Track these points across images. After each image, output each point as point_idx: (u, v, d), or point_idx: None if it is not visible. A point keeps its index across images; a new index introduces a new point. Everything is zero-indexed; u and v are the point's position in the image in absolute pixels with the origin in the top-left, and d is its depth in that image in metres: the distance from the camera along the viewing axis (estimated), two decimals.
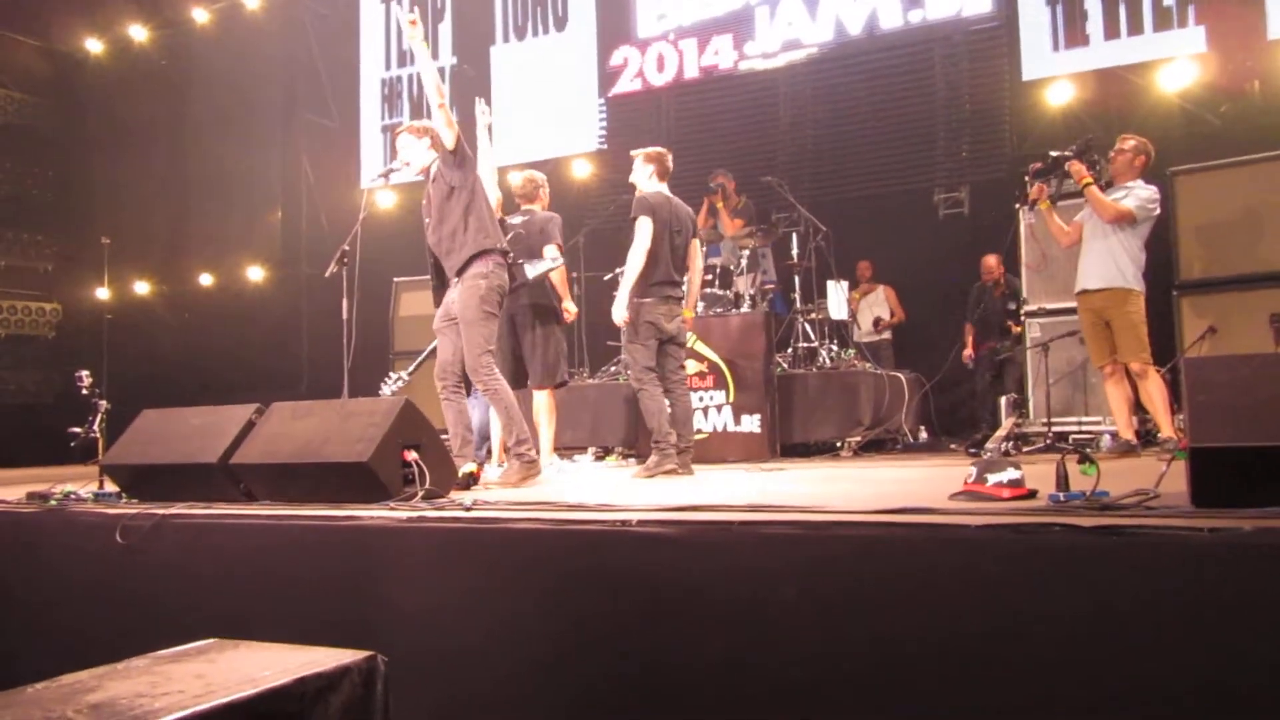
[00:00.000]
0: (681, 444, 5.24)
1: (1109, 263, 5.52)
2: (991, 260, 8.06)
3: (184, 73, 12.44)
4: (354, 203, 11.54)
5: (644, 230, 5.27)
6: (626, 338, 5.37)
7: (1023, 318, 7.36)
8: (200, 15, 12.13)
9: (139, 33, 12.30)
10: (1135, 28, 8.32)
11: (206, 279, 12.18)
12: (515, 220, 5.56)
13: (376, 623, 2.90)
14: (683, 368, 5.44)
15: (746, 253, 7.53)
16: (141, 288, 12.32)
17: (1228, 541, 2.12)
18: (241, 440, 3.90)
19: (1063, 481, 2.86)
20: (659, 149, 5.54)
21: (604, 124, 10.48)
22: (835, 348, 7.70)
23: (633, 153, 5.56)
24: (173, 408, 4.41)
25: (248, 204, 12.06)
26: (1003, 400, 7.23)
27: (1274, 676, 2.04)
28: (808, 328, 7.70)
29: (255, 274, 11.93)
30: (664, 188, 5.46)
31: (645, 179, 5.44)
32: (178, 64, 12.41)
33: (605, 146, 10.38)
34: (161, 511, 3.54)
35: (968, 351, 8.15)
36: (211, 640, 2.79)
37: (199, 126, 12.33)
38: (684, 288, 5.54)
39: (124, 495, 4.21)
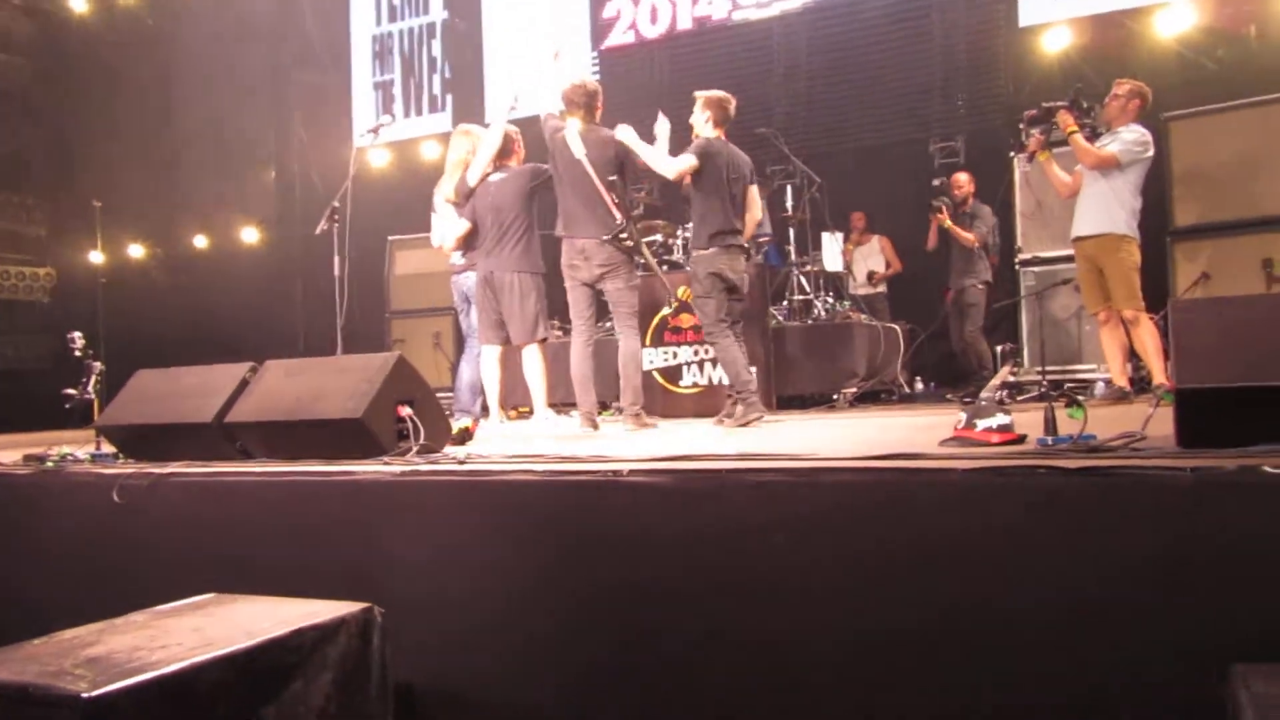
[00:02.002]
0: (733, 394, 5.28)
1: (1101, 209, 5.51)
2: (961, 177, 7.92)
3: (171, 32, 12.30)
4: (347, 161, 11.43)
5: (683, 159, 5.24)
6: (695, 292, 5.40)
7: (1017, 266, 7.34)
8: None
9: None
10: None
11: (200, 240, 12.14)
12: (494, 176, 5.51)
13: (373, 576, 2.93)
14: (736, 322, 5.41)
15: None
16: (135, 250, 12.27)
17: (1210, 480, 2.14)
18: (236, 399, 3.91)
19: (1051, 426, 2.89)
20: (719, 94, 5.41)
21: (597, 77, 10.36)
22: (830, 300, 7.69)
23: (695, 94, 5.49)
24: (167, 368, 4.41)
25: (240, 164, 12.00)
26: (998, 350, 7.25)
27: (1256, 612, 2.07)
28: (803, 280, 7.70)
29: (249, 234, 11.89)
30: (719, 135, 5.39)
31: (702, 124, 5.40)
32: (164, 23, 12.26)
33: None
34: (158, 470, 3.57)
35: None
36: (209, 595, 2.83)
37: (188, 86, 12.22)
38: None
39: (120, 456, 4.23)
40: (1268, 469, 2.10)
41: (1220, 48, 8.01)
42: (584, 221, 5.24)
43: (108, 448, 4.37)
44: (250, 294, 11.44)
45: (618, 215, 5.12)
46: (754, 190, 5.57)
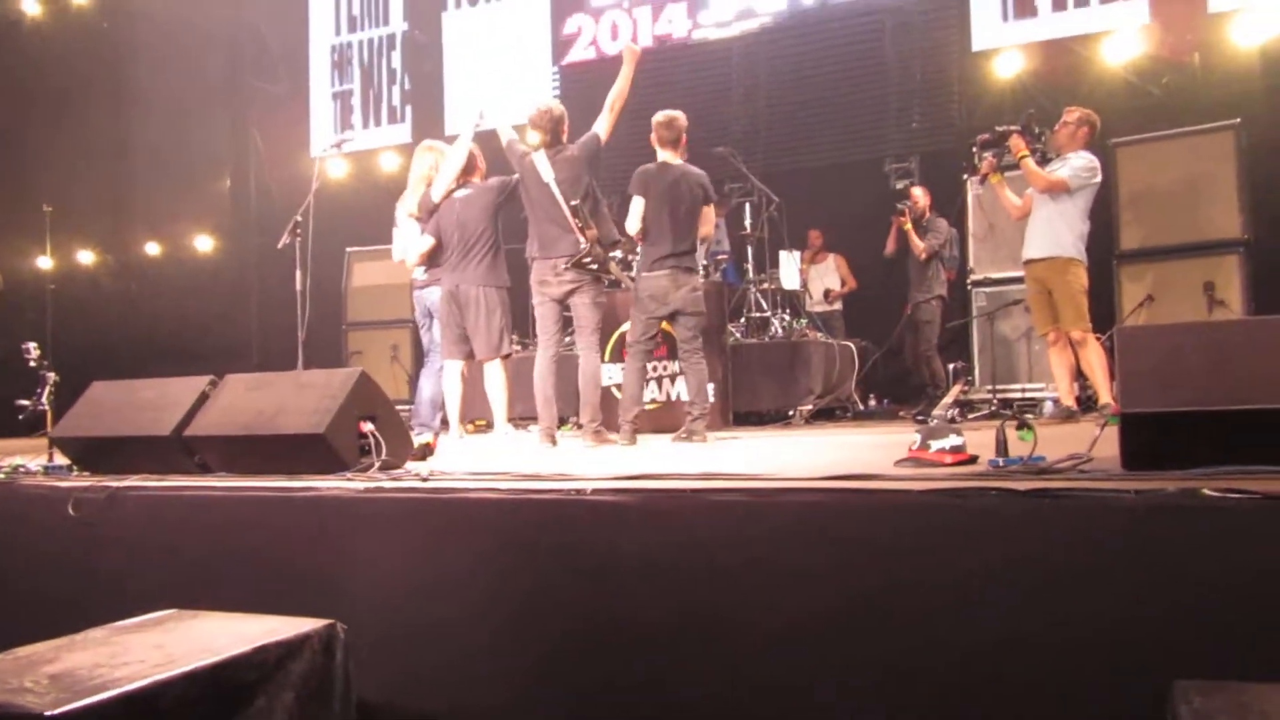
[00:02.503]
0: (695, 412, 5.37)
1: (1050, 233, 5.67)
2: (916, 191, 8.03)
3: (126, 36, 12.16)
4: (304, 171, 11.37)
5: (632, 208, 5.43)
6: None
7: (969, 286, 7.49)
8: None
9: None
10: None
11: (153, 248, 12.00)
12: (459, 194, 5.54)
13: (335, 593, 2.93)
14: (694, 339, 5.46)
15: None
16: (85, 257, 12.08)
17: (1152, 503, 2.22)
18: (196, 412, 3.89)
19: (1002, 447, 2.97)
20: (664, 115, 5.50)
21: (557, 93, 10.44)
22: (787, 317, 7.80)
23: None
24: (124, 380, 4.38)
25: (195, 172, 11.88)
26: (950, 367, 7.40)
27: (1194, 627, 2.15)
28: (760, 298, 7.79)
29: (203, 243, 11.77)
30: (667, 156, 5.48)
31: (658, 149, 5.52)
32: (119, 26, 12.12)
33: None
34: (116, 484, 3.54)
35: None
36: (170, 611, 2.81)
37: (143, 91, 12.07)
38: (694, 254, 5.54)
39: (74, 468, 4.19)
40: (1207, 491, 2.19)
41: (1165, 75, 8.28)
42: (557, 242, 5.33)
43: (60, 459, 4.31)
44: (203, 303, 11.32)
45: (582, 239, 5.20)
46: (709, 210, 5.64)
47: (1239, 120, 6.59)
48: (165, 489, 3.48)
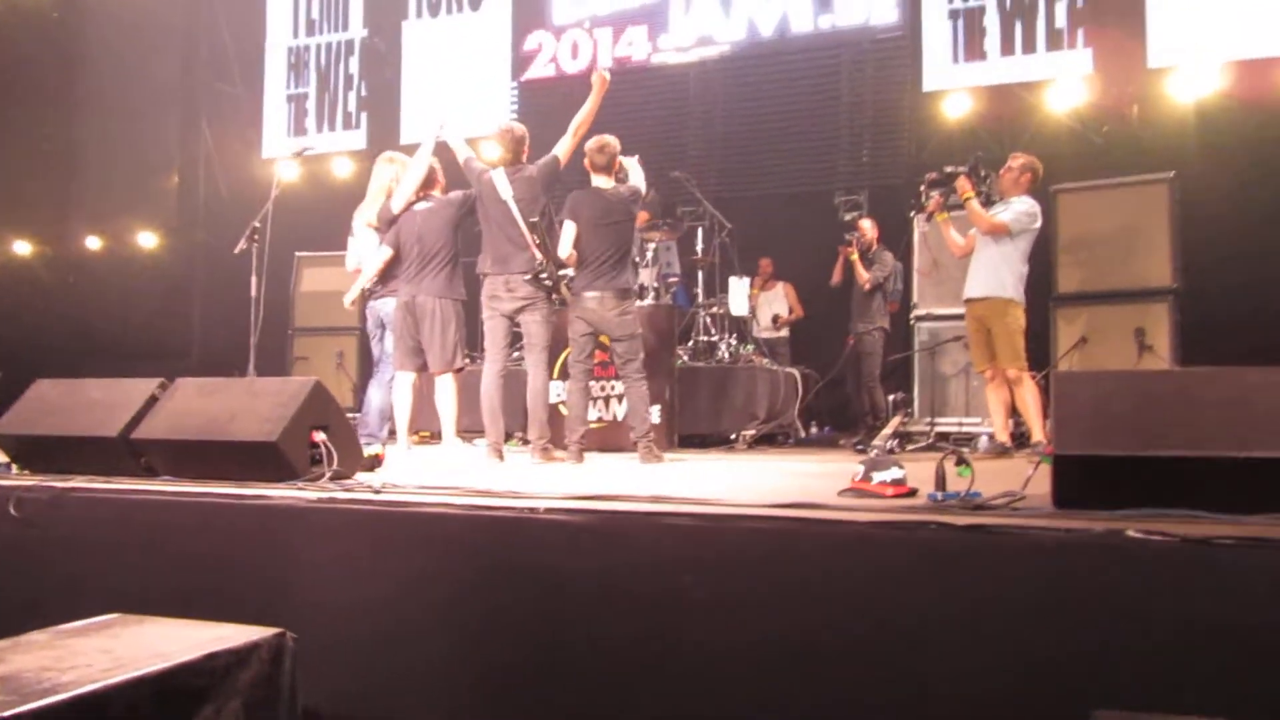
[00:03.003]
0: (635, 434, 5.47)
1: (991, 273, 5.85)
2: (865, 224, 8.18)
3: (78, 28, 11.97)
4: (255, 171, 11.30)
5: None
6: None
7: (912, 320, 7.67)
8: None
9: None
10: (1029, 46, 8.76)
11: (94, 242, 11.78)
12: (419, 207, 5.58)
13: (284, 602, 2.95)
14: (630, 361, 5.54)
15: (652, 245, 7.68)
16: (22, 248, 11.84)
17: (1079, 541, 2.35)
18: (144, 414, 3.87)
19: (941, 482, 3.08)
20: (594, 140, 5.59)
21: (515, 107, 10.50)
22: (734, 342, 7.92)
23: None
24: (68, 379, 4.33)
25: (142, 167, 11.70)
26: (890, 399, 7.57)
27: (1114, 661, 2.27)
28: (708, 322, 7.90)
29: (147, 239, 11.59)
30: (599, 180, 5.58)
31: (591, 174, 5.63)
32: (71, 18, 11.93)
33: None
34: (60, 484, 3.51)
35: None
36: (114, 615, 2.80)
37: (93, 84, 11.89)
38: (625, 277, 5.62)
39: (15, 466, 4.13)
40: (1131, 533, 2.31)
41: (1106, 124, 8.58)
42: (512, 259, 5.40)
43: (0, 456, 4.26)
44: (144, 300, 11.16)
45: (538, 255, 5.28)
46: (633, 226, 5.78)
47: (1174, 173, 6.85)
48: (111, 491, 3.46)
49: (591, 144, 5.57)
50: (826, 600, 2.54)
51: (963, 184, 5.98)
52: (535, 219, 5.30)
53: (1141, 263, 6.75)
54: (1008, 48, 8.82)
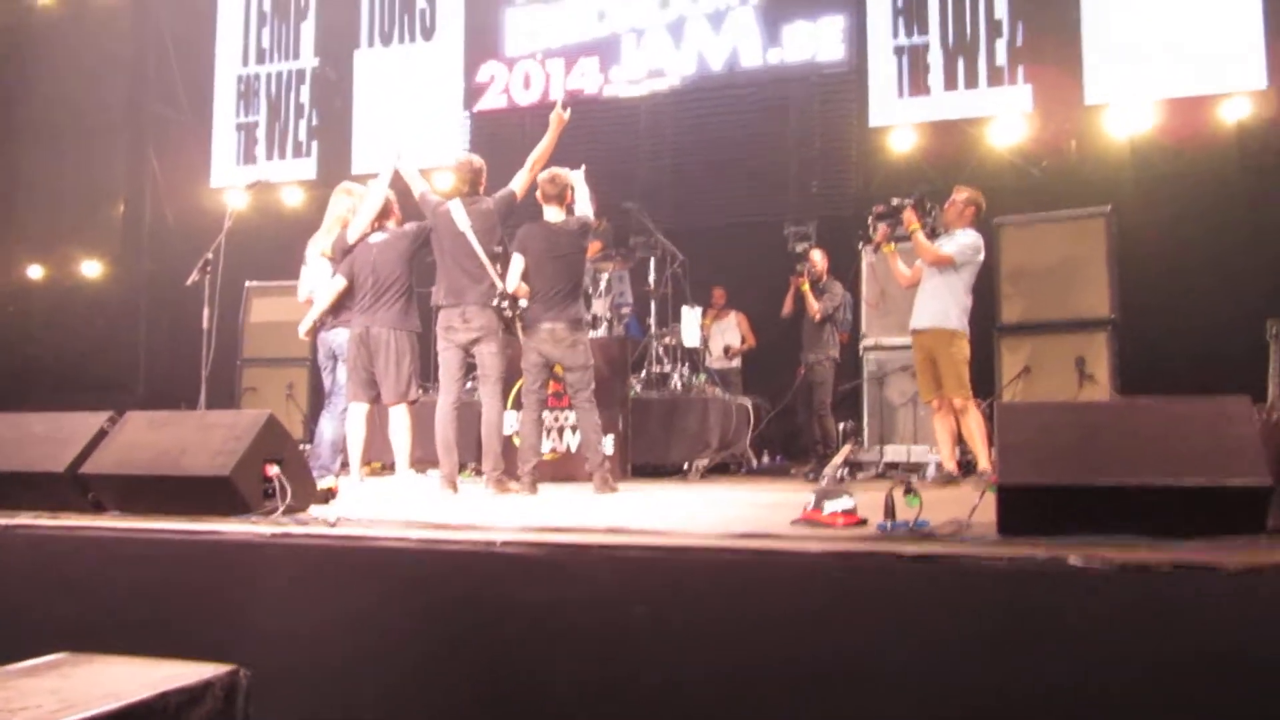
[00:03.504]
0: (589, 467, 5.51)
1: (937, 305, 5.98)
2: (815, 255, 8.23)
3: (21, 52, 11.79)
4: (203, 200, 11.19)
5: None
6: None
7: (862, 352, 7.79)
8: None
9: None
10: (971, 82, 9.00)
11: (36, 271, 11.55)
12: (374, 238, 5.58)
13: (237, 638, 2.92)
14: (581, 390, 5.57)
15: (605, 276, 7.73)
16: None
17: (1022, 568, 2.42)
18: (93, 449, 3.82)
19: (890, 511, 3.16)
20: (548, 172, 5.64)
21: (468, 138, 10.53)
22: (687, 372, 7.97)
23: None
24: (11, 412, 4.27)
25: (87, 195, 11.51)
26: (840, 427, 7.66)
27: (1064, 687, 2.34)
28: (661, 352, 7.96)
29: (91, 269, 11.38)
30: (550, 212, 5.64)
31: (543, 205, 5.70)
32: (15, 43, 11.76)
33: None
34: (5, 521, 3.45)
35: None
36: (63, 655, 2.76)
37: (37, 111, 11.70)
38: (577, 308, 5.68)
39: None
40: (1071, 560, 2.39)
41: (1045, 159, 8.84)
42: (467, 291, 5.43)
43: None
44: (87, 331, 10.94)
45: (500, 285, 5.33)
46: (584, 258, 5.86)
47: (1110, 207, 7.06)
48: (59, 529, 3.42)
49: (544, 175, 5.63)
50: (780, 630, 2.58)
51: (909, 216, 6.12)
52: (498, 249, 5.35)
53: (1081, 294, 6.94)
54: (950, 84, 9.05)
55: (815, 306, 7.97)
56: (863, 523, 3.30)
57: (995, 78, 8.91)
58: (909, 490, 3.21)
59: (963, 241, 5.97)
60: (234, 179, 10.92)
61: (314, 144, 11.34)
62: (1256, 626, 2.17)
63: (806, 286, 8.02)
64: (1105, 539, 2.57)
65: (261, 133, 11.54)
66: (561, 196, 5.64)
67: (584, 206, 5.75)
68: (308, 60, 11.46)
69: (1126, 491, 2.61)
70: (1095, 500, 2.66)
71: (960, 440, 6.13)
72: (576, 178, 5.76)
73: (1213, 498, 2.53)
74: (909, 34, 9.19)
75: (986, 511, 3.09)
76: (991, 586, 2.45)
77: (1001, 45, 8.89)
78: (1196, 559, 2.28)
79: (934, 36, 9.09)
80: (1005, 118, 8.76)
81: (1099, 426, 2.82)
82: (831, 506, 3.34)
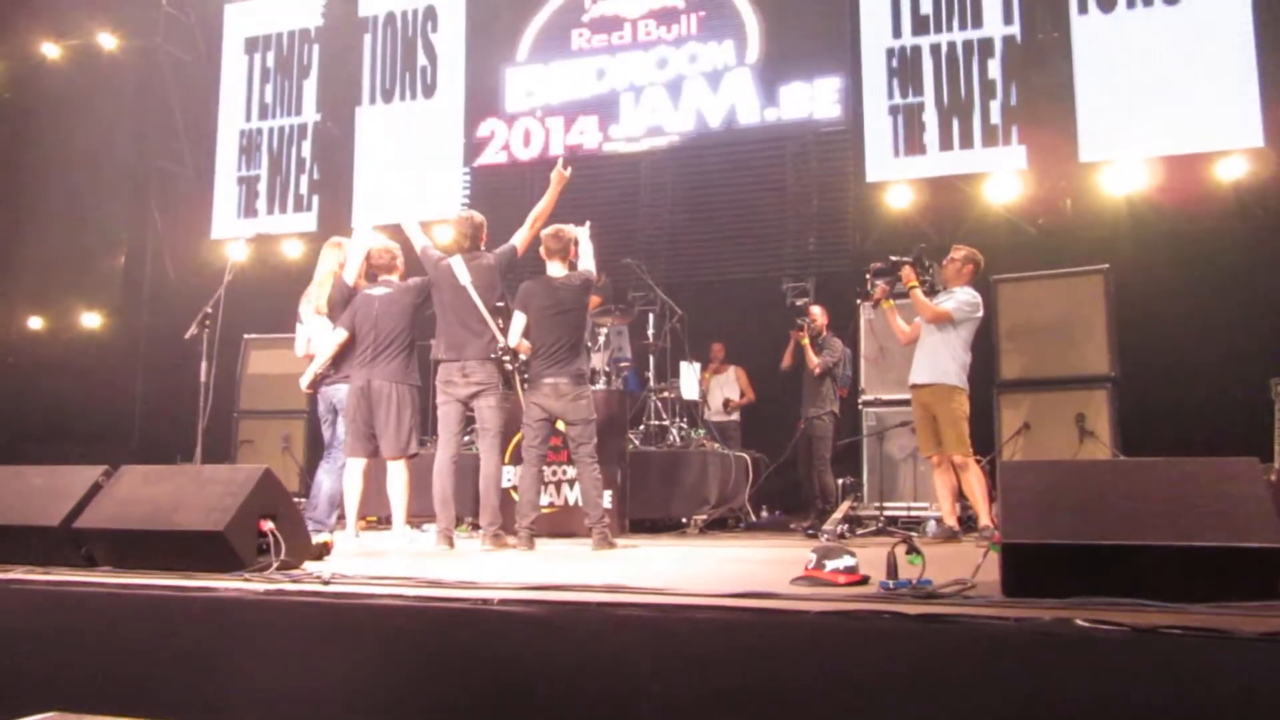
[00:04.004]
0: (589, 520, 5.46)
1: (935, 361, 5.99)
2: (815, 310, 8.27)
3: (29, 107, 11.93)
4: (203, 253, 11.24)
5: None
6: None
7: (860, 406, 7.78)
8: (51, 50, 11.71)
9: None
10: (966, 142, 9.10)
11: (36, 322, 11.56)
12: (376, 292, 5.60)
13: (229, 697, 2.87)
14: (583, 445, 5.54)
15: (604, 330, 7.74)
16: None
17: (1028, 630, 2.38)
18: (87, 503, 3.79)
19: (893, 570, 3.11)
20: (552, 228, 5.68)
21: (468, 192, 10.62)
22: (685, 426, 7.95)
23: None
24: (9, 464, 4.23)
25: (89, 247, 11.58)
26: (840, 483, 7.63)
27: None
28: (659, 406, 7.94)
29: (90, 320, 11.40)
30: (553, 267, 5.65)
31: (546, 260, 5.71)
32: (22, 97, 11.90)
33: None
34: None
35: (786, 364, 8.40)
36: (51, 714, 2.71)
37: (41, 162, 11.82)
38: (579, 363, 5.65)
39: None
40: (1079, 622, 2.35)
41: (1041, 216, 8.90)
42: (467, 345, 5.44)
43: None
44: (85, 382, 10.91)
45: (501, 339, 5.34)
46: (585, 313, 5.85)
47: (1108, 265, 7.09)
48: (51, 584, 3.36)
49: (547, 231, 5.66)
50: (780, 691, 2.53)
51: (907, 273, 6.14)
52: (498, 304, 5.37)
53: (1080, 351, 6.95)
54: (946, 143, 9.15)
55: (815, 360, 7.98)
56: (864, 581, 3.25)
57: (990, 137, 9.01)
58: (911, 549, 3.17)
59: (961, 298, 5.99)
60: (235, 232, 10.98)
61: (314, 198, 11.42)
62: (1275, 695, 2.12)
63: (806, 340, 8.03)
64: (1113, 601, 2.53)
65: (263, 186, 11.64)
66: (565, 252, 5.65)
67: (587, 262, 5.77)
68: (310, 115, 11.58)
69: (1135, 552, 2.58)
70: (1103, 561, 2.62)
71: (961, 496, 6.10)
72: (581, 234, 5.78)
73: (1225, 560, 2.49)
74: (904, 94, 9.31)
75: (990, 571, 3.05)
76: (998, 648, 2.40)
77: (995, 105, 9.01)
78: (1210, 624, 2.23)
79: (929, 96, 9.21)
80: (1001, 176, 8.83)
81: (1105, 485, 2.79)
82: (833, 564, 3.29)
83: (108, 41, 11.60)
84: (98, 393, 10.89)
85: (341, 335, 5.57)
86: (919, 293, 6.07)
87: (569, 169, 5.79)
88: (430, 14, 11.22)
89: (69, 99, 11.66)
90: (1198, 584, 2.51)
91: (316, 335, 5.76)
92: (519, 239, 5.65)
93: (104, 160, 11.61)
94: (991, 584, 2.92)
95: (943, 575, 3.07)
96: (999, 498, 2.91)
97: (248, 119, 11.83)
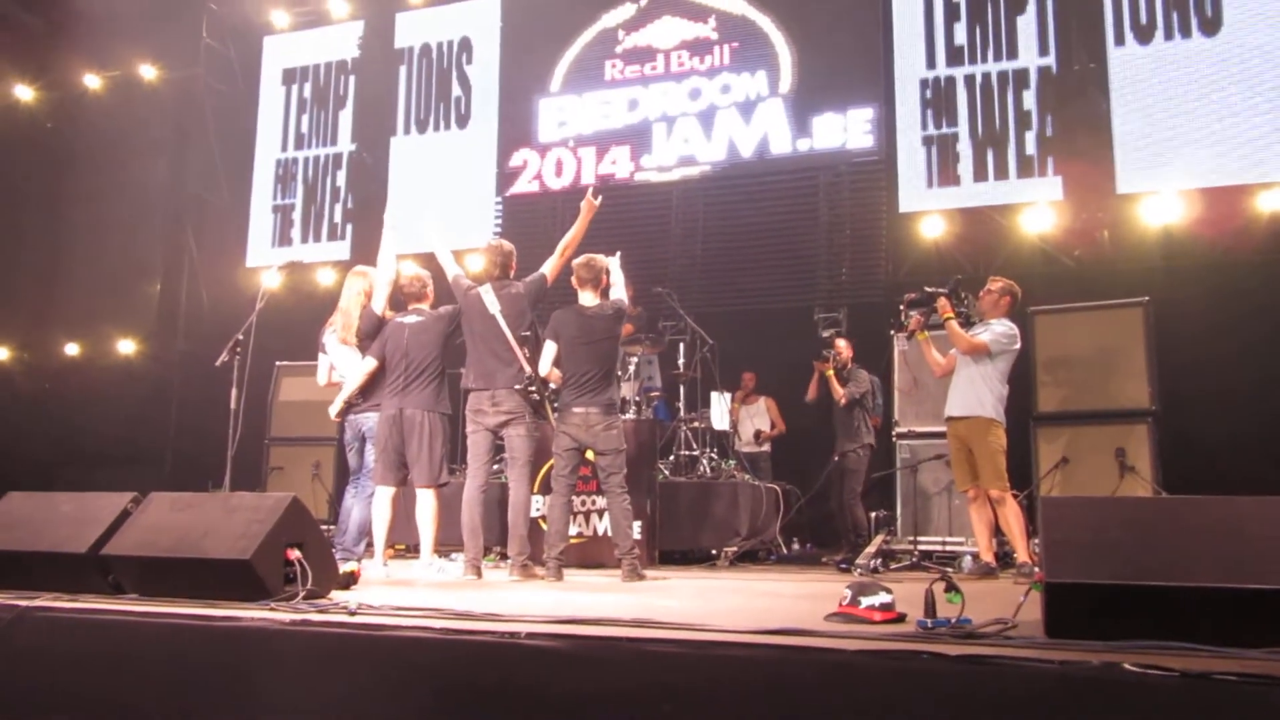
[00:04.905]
0: (618, 553, 5.39)
1: (972, 393, 5.88)
2: (840, 343, 8.21)
3: (69, 136, 12.17)
4: (239, 281, 11.36)
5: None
6: None
7: (894, 438, 7.67)
8: (92, 81, 11.92)
9: (25, 93, 11.99)
10: (1001, 173, 9.01)
11: (73, 349, 11.70)
12: (407, 320, 5.60)
13: None
14: (613, 475, 5.49)
15: (634, 359, 7.70)
16: (0, 354, 11.76)
17: (1074, 674, 2.29)
18: (115, 530, 3.78)
19: (930, 608, 3.03)
20: (584, 257, 5.66)
21: (499, 221, 10.66)
22: (716, 457, 7.88)
23: None
24: (41, 490, 4.25)
25: (125, 274, 11.73)
26: (873, 516, 7.51)
27: None
28: (690, 436, 7.88)
29: (126, 346, 11.52)
30: (585, 297, 5.63)
31: (578, 289, 5.69)
32: (64, 127, 12.13)
33: None
34: (24, 603, 3.39)
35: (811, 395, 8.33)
36: None
37: (80, 191, 12.02)
38: (610, 393, 5.60)
39: None
40: (1128, 666, 2.26)
41: (1077, 248, 8.79)
42: (497, 374, 5.42)
43: None
44: (120, 408, 11.04)
45: (528, 369, 5.31)
46: (616, 343, 5.78)
47: (1148, 298, 6.97)
48: (79, 611, 3.34)
49: (579, 260, 5.65)
50: None
51: (943, 304, 6.06)
52: (526, 333, 5.35)
53: (1120, 384, 6.82)
54: (980, 174, 9.08)
55: (840, 390, 7.90)
56: (901, 618, 3.17)
57: (1025, 168, 8.92)
58: (950, 586, 3.09)
59: (998, 330, 5.90)
60: (270, 260, 11.08)
61: (349, 226, 11.52)
62: None
63: (831, 372, 7.96)
64: (1162, 645, 2.43)
65: (298, 215, 11.76)
66: (596, 281, 5.63)
67: (619, 292, 5.74)
68: (345, 145, 11.71)
69: (1185, 594, 2.48)
70: (1151, 602, 2.53)
71: (997, 531, 5.97)
72: (613, 264, 5.76)
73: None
74: (938, 125, 9.26)
75: (1031, 610, 2.97)
76: (1042, 692, 2.31)
77: (1031, 136, 8.93)
78: (1267, 670, 2.14)
79: (963, 127, 9.16)
80: (1036, 207, 8.74)
81: (1152, 523, 2.70)
82: (868, 601, 3.22)
83: (148, 73, 11.81)
84: (132, 419, 11.00)
85: (371, 364, 5.56)
86: (955, 324, 5.99)
87: (599, 198, 5.77)
88: (465, 45, 11.34)
89: (109, 129, 11.86)
90: (1251, 627, 2.41)
91: (340, 364, 5.75)
92: (549, 267, 5.64)
93: (142, 189, 11.78)
94: (1033, 624, 2.84)
95: (982, 614, 2.99)
96: (1041, 534, 2.82)
97: (284, 149, 11.99)
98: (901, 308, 6.49)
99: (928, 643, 2.66)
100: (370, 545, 5.56)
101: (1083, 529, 2.73)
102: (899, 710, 2.43)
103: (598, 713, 2.64)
